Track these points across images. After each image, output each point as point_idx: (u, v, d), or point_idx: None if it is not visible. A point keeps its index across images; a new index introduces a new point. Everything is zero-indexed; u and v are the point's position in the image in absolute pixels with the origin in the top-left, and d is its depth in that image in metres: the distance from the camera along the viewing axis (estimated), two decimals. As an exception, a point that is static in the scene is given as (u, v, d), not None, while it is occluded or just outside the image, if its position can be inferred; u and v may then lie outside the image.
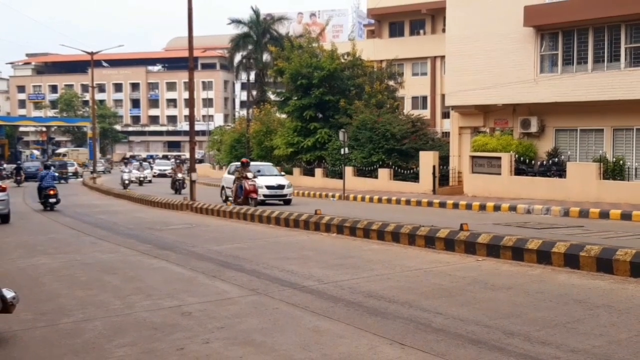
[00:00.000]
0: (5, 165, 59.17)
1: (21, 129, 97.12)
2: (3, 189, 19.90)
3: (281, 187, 25.36)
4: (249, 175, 22.61)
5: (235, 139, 49.92)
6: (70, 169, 58.58)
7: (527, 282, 8.78)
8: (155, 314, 7.52)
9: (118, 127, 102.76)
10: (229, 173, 27.33)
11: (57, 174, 31.88)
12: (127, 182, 38.59)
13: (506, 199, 22.38)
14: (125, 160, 52.76)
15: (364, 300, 7.95)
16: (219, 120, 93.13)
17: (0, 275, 6.77)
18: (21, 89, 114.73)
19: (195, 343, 6.32)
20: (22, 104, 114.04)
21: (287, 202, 25.10)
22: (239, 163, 25.42)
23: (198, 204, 22.60)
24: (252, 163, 27.04)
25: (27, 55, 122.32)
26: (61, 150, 79.93)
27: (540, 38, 24.57)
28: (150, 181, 48.60)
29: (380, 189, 29.30)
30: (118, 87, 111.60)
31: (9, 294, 6.69)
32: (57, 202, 24.58)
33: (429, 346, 5.99)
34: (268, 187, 24.81)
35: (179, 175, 34.58)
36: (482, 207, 21.19)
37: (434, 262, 10.45)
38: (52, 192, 24.31)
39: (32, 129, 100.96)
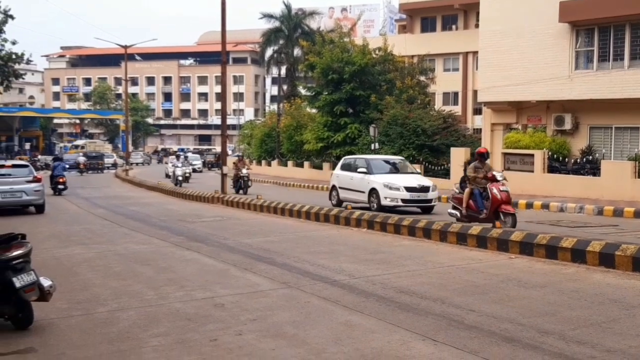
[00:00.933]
0: (40, 157, 60.10)
1: (55, 120, 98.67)
2: (38, 180, 20.24)
3: (424, 189, 18.55)
4: (497, 175, 13.76)
5: (266, 133, 50.09)
6: (109, 160, 61.45)
7: (561, 280, 8.69)
8: (188, 305, 7.59)
9: (150, 120, 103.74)
10: (342, 169, 21.00)
11: (67, 165, 36.58)
12: (180, 178, 33.57)
13: (539, 196, 22.10)
14: (177, 154, 47.24)
15: (395, 295, 7.93)
16: (249, 114, 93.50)
17: (37, 264, 6.86)
18: (55, 81, 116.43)
19: (228, 334, 6.37)
20: (56, 96, 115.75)
21: (429, 209, 18.67)
22: (472, 160, 15.74)
23: (229, 197, 22.74)
24: (374, 157, 22.14)
25: (62, 48, 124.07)
26: (79, 142, 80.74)
27: (576, 34, 24.21)
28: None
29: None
30: (150, 81, 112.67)
31: (46, 282, 6.81)
32: (65, 188, 28.17)
33: (462, 343, 5.96)
34: (408, 189, 18.27)
35: (244, 171, 27.89)
36: (514, 205, 20.94)
37: (466, 259, 10.39)
38: (61, 180, 28.08)
39: (66, 121, 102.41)
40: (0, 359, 5.83)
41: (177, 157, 39.50)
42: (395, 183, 18.35)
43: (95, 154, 61.93)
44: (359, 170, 19.59)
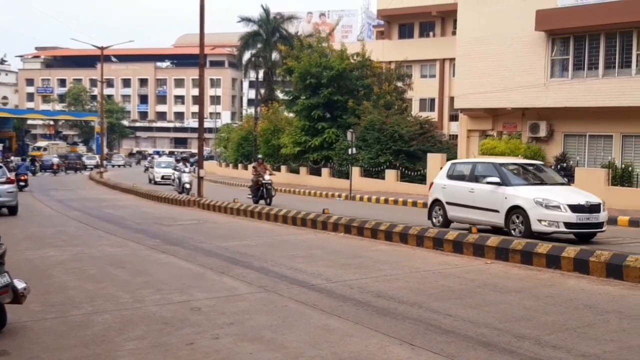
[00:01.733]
0: (12, 158, 59.38)
1: (29, 122, 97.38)
2: (11, 181, 19.97)
3: (594, 208, 13.30)
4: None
5: (243, 137, 49.98)
6: (91, 162, 66.18)
7: (537, 285, 8.77)
8: (165, 309, 7.53)
9: (125, 123, 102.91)
10: (452, 178, 15.65)
11: (29, 165, 44.62)
12: (187, 185, 28.30)
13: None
14: (184, 157, 38.94)
15: (373, 300, 7.94)
16: (226, 117, 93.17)
17: (10, 266, 6.76)
18: (30, 82, 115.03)
19: (204, 338, 6.33)
20: (30, 97, 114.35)
21: (591, 236, 13.65)
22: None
23: (205, 200, 22.62)
24: (504, 160, 16.55)
25: (37, 48, 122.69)
26: (41, 144, 79.90)
27: (552, 42, 24.51)
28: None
29: (387, 190, 29.26)
30: (126, 83, 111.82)
31: (20, 284, 6.71)
32: (26, 185, 32.23)
33: (439, 347, 5.98)
34: (574, 209, 13.01)
35: (267, 177, 23.11)
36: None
37: (442, 264, 10.44)
38: (23, 178, 32.27)
39: (40, 122, 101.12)
40: (-29, 363, 5.73)
41: (185, 161, 33.29)
42: (554, 200, 13.06)
43: (74, 154, 66.61)
44: (486, 180, 14.21)
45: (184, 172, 29.12)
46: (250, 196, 23.51)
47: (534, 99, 24.57)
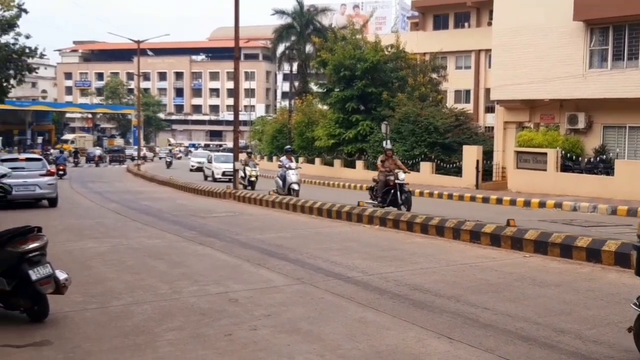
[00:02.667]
0: (52, 150, 60.59)
1: (68, 115, 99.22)
2: (51, 173, 20.33)
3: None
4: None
5: (277, 130, 50.10)
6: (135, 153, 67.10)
7: (577, 279, 8.63)
8: (203, 300, 7.60)
9: (162, 116, 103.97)
10: None
11: (67, 157, 47.80)
12: (296, 186, 21.97)
13: (552, 195, 21.99)
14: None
15: (409, 293, 7.91)
16: (260, 110, 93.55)
17: (50, 258, 6.88)
18: (68, 75, 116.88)
19: (242, 329, 6.37)
20: (69, 90, 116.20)
21: None
22: None
23: (241, 192, 22.76)
24: None
25: (75, 42, 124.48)
26: (69, 136, 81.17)
27: (590, 32, 24.03)
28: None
29: (422, 183, 29.06)
30: (162, 76, 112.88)
31: (62, 275, 6.84)
32: (65, 174, 37.66)
33: (478, 341, 5.93)
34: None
35: (401, 176, 17.35)
36: (527, 203, 20.89)
37: (479, 257, 10.34)
38: (61, 167, 37.77)
39: (78, 115, 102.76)
40: (16, 351, 5.85)
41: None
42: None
43: (117, 147, 70.91)
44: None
45: (291, 168, 22.29)
46: (374, 200, 17.79)
47: (572, 90, 24.14)
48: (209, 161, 38.13)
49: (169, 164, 52.70)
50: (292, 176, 22.00)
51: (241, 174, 26.89)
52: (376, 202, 17.49)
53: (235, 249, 11.43)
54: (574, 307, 7.16)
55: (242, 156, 29.04)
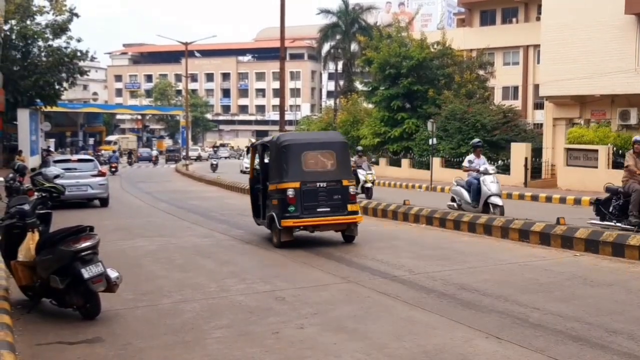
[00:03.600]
0: (103, 152, 61.91)
1: (118, 116, 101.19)
2: (103, 174, 20.76)
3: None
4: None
5: (322, 129, 50.11)
6: (193, 154, 69.11)
7: (629, 279, 8.43)
8: (250, 298, 7.68)
9: (209, 116, 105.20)
10: None
11: (118, 156, 50.97)
12: (499, 201, 14.35)
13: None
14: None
15: (457, 292, 7.84)
16: (305, 110, 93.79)
17: (102, 256, 7.04)
18: (118, 78, 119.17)
19: (289, 327, 6.42)
20: (118, 92, 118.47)
21: None
22: None
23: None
24: None
25: (124, 45, 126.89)
26: (111, 137, 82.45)
27: (643, 26, 23.39)
28: None
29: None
30: (209, 77, 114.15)
31: (113, 274, 6.99)
32: (116, 170, 40.89)
33: (527, 341, 5.85)
34: None
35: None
36: (577, 202, 20.45)
37: (529, 256, 10.18)
38: (113, 165, 41.37)
39: (128, 117, 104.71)
40: (69, 348, 6.01)
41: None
42: None
43: (173, 147, 72.99)
44: None
45: (487, 173, 14.63)
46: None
47: (624, 85, 23.54)
48: None
49: (214, 167, 45.43)
50: (490, 185, 14.37)
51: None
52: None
53: (280, 248, 11.48)
54: (627, 307, 6.99)
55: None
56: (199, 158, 68.87)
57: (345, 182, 11.54)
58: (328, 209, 11.36)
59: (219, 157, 54.11)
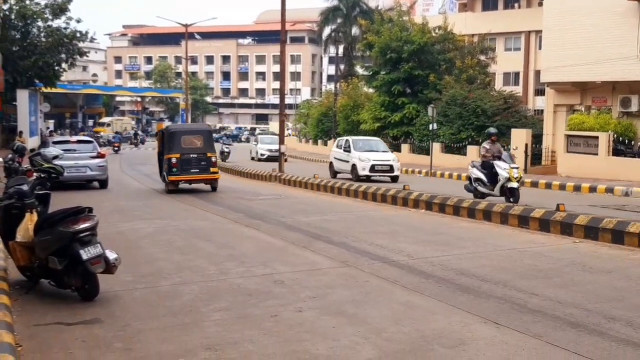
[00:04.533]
0: (102, 134, 61.79)
1: (117, 98, 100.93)
2: (102, 156, 20.71)
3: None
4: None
5: (322, 113, 50.09)
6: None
7: (629, 266, 8.44)
8: (249, 281, 7.68)
9: (209, 99, 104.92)
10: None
11: (121, 137, 52.64)
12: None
13: (603, 180, 21.48)
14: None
15: (455, 277, 7.84)
16: (306, 94, 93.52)
17: (101, 238, 7.02)
18: (118, 59, 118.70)
19: (288, 311, 6.41)
20: (118, 74, 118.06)
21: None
22: None
23: (286, 175, 22.86)
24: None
25: (124, 26, 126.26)
26: (105, 119, 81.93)
27: (646, 12, 23.26)
28: None
29: (468, 167, 28.73)
30: (209, 60, 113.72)
31: (111, 255, 6.97)
32: (119, 149, 43.10)
33: (525, 327, 5.85)
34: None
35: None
36: (577, 188, 20.46)
37: (528, 242, 10.18)
38: (116, 145, 43.65)
39: (128, 98, 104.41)
40: (67, 329, 6.01)
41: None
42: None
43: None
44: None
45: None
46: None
47: (625, 72, 23.46)
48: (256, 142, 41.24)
49: (225, 156, 35.60)
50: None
51: (477, 174, 15.29)
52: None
53: (280, 231, 11.50)
54: (626, 294, 7.00)
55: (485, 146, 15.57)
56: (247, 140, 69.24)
57: (208, 155, 18.47)
58: (197, 170, 18.34)
59: (230, 144, 43.85)
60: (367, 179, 22.48)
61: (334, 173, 24.69)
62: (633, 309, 6.39)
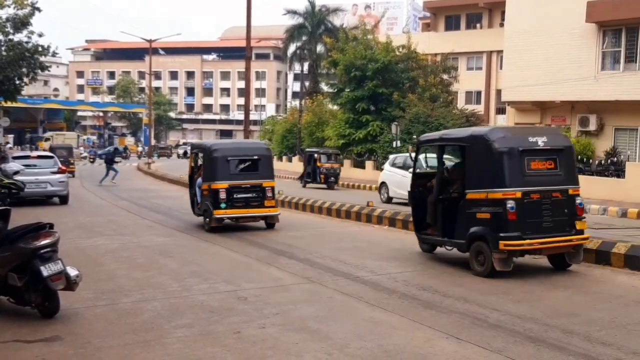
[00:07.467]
0: (41, 149, 60.91)
1: (79, 113, 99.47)
2: (62, 171, 20.43)
3: None
4: None
5: (287, 129, 50.16)
6: (180, 151, 71.35)
7: (586, 282, 8.62)
8: (212, 298, 7.64)
9: (172, 115, 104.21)
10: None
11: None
12: None
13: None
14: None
15: (418, 293, 7.92)
16: (271, 110, 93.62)
17: (62, 254, 6.94)
18: (80, 74, 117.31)
19: (251, 327, 6.41)
20: (80, 89, 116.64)
21: None
22: None
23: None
24: None
25: (87, 41, 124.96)
26: (46, 134, 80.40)
27: (603, 34, 23.96)
28: None
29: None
30: (174, 75, 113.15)
31: (72, 272, 6.88)
32: (94, 161, 44.49)
33: (486, 342, 5.94)
34: None
35: None
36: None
37: (488, 258, 10.30)
38: (92, 157, 44.90)
39: (90, 113, 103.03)
40: (27, 346, 5.91)
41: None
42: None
43: (164, 145, 78.77)
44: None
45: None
46: None
47: (584, 92, 24.07)
48: None
49: None
50: None
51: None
52: None
53: (245, 248, 11.47)
54: (583, 309, 7.15)
55: None
56: (185, 154, 67.16)
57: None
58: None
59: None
60: None
61: (389, 199, 21.25)
62: (590, 324, 6.53)
